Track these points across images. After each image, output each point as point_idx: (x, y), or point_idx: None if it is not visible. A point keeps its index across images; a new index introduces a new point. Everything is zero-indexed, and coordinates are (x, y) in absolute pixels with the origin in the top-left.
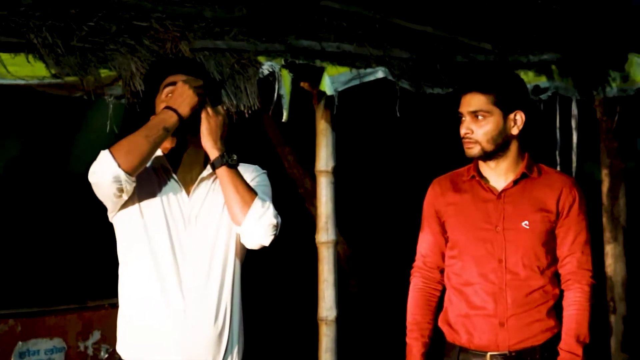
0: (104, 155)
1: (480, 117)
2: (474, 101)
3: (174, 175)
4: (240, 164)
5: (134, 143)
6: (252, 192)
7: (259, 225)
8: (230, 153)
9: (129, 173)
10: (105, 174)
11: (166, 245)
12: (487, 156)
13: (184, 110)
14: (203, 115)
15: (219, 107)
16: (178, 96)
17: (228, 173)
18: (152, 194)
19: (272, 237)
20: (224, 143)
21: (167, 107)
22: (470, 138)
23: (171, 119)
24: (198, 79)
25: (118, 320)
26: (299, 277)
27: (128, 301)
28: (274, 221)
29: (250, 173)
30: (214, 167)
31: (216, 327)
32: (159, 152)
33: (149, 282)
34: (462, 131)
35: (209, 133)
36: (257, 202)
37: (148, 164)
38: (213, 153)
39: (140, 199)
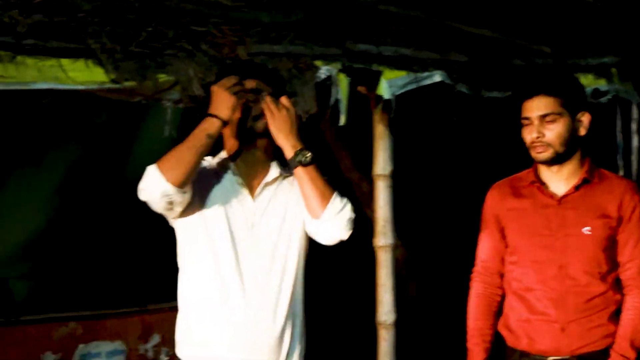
0: (151, 171)
1: (550, 120)
2: (542, 104)
3: (238, 178)
4: None
5: (179, 155)
6: (331, 187)
7: (339, 219)
8: (303, 151)
9: (177, 186)
10: (153, 190)
11: (228, 249)
12: (557, 159)
13: (224, 113)
14: (267, 112)
15: (282, 100)
16: (215, 101)
17: (304, 171)
18: (215, 198)
19: (349, 232)
20: (299, 139)
21: (208, 114)
22: (542, 142)
23: (213, 125)
24: (251, 80)
25: (177, 323)
26: (357, 281)
27: (188, 304)
28: (352, 215)
29: None
30: (289, 168)
31: (277, 331)
32: (223, 154)
33: (209, 285)
34: (533, 135)
35: (277, 129)
36: (336, 197)
37: (213, 166)
38: (287, 151)
39: (203, 203)
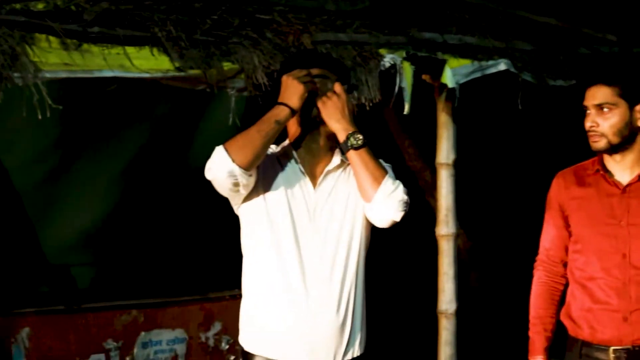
0: (218, 151)
1: (605, 110)
2: (599, 94)
3: (301, 167)
4: None
5: (247, 138)
6: (383, 169)
7: (391, 200)
8: (355, 134)
9: (243, 168)
10: (220, 170)
11: (290, 237)
12: (613, 149)
13: (294, 102)
14: (318, 102)
15: (335, 86)
16: (285, 90)
17: (356, 154)
18: (277, 186)
19: (402, 213)
20: (352, 122)
21: (278, 103)
22: (595, 131)
23: (282, 112)
24: (321, 70)
25: (241, 311)
26: (419, 269)
27: (251, 292)
28: (405, 197)
29: None
30: (342, 152)
31: (338, 319)
32: (286, 143)
33: (272, 273)
34: (588, 124)
35: (329, 116)
36: (387, 179)
37: (275, 154)
38: (339, 135)
39: (265, 190)
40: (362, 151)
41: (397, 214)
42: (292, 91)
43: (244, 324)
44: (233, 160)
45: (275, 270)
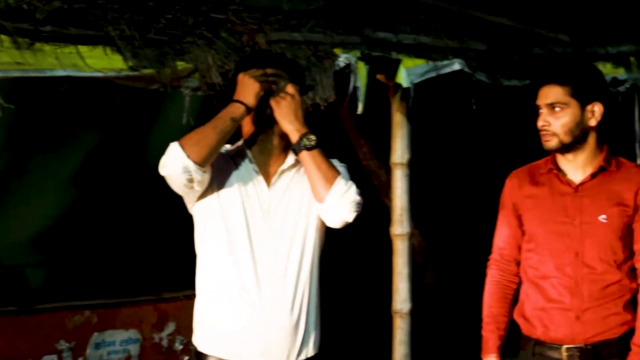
0: (173, 147)
1: (557, 109)
2: (550, 93)
3: (255, 166)
4: None
5: (202, 134)
6: (335, 170)
7: (343, 201)
8: (308, 135)
9: (198, 163)
10: (175, 165)
11: (244, 236)
12: (564, 148)
13: (249, 100)
14: (272, 102)
15: (289, 87)
16: (241, 88)
17: (308, 155)
18: (231, 185)
19: (355, 214)
20: (304, 123)
21: (234, 100)
22: (547, 130)
23: (238, 110)
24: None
25: (194, 311)
26: (373, 269)
27: (205, 292)
28: (357, 198)
29: None
30: (295, 153)
31: (292, 319)
32: (240, 142)
33: (225, 272)
34: (540, 124)
35: (282, 117)
36: (340, 180)
37: (230, 153)
38: (292, 136)
39: (219, 189)
40: (315, 152)
41: (349, 215)
42: (248, 89)
43: (198, 324)
44: (188, 156)
45: (228, 269)
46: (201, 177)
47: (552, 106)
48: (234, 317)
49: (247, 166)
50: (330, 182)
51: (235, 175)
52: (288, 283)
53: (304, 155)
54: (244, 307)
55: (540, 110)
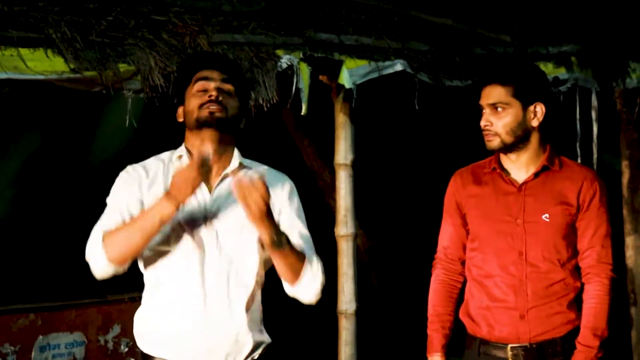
0: (96, 250)
1: (499, 109)
2: (492, 93)
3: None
4: (268, 170)
5: (127, 239)
6: (301, 256)
7: (310, 288)
8: (279, 236)
9: (121, 265)
10: (97, 268)
11: (187, 241)
12: (507, 148)
13: (182, 198)
14: (242, 205)
15: (259, 184)
16: (176, 184)
17: (280, 254)
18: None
19: (318, 297)
20: (270, 218)
21: (166, 197)
22: (489, 130)
23: (167, 211)
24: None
25: (138, 314)
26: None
27: (151, 294)
28: (322, 280)
29: (282, 189)
30: (262, 247)
31: (236, 321)
32: (183, 148)
33: (167, 279)
34: (482, 123)
35: (254, 218)
36: (306, 268)
37: (167, 163)
38: (264, 237)
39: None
40: (286, 250)
41: (316, 297)
42: (184, 189)
43: (140, 328)
44: (110, 262)
45: (172, 276)
46: (123, 270)
47: (494, 106)
48: (180, 320)
49: None
50: (298, 273)
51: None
52: (232, 285)
53: (276, 254)
54: (188, 310)
55: (483, 110)
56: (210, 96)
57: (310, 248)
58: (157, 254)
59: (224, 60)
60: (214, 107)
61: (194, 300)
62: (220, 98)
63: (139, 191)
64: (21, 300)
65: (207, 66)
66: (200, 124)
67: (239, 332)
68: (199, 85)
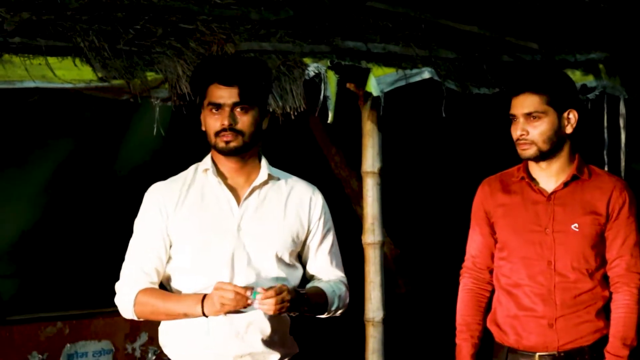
0: (126, 300)
1: (535, 118)
2: (527, 102)
3: (223, 184)
4: (297, 182)
5: (153, 314)
6: (323, 297)
7: (334, 315)
8: (299, 304)
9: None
10: (123, 311)
11: (217, 255)
12: (542, 157)
13: (211, 314)
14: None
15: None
16: (212, 303)
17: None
18: (202, 206)
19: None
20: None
21: (199, 301)
22: (525, 139)
23: (197, 313)
24: None
25: (162, 326)
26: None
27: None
28: (346, 304)
29: (314, 206)
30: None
31: (264, 334)
32: (207, 165)
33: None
34: (518, 133)
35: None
36: (331, 304)
37: (195, 179)
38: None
39: (191, 214)
40: (307, 308)
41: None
42: (215, 309)
43: (169, 338)
44: (135, 317)
45: (204, 287)
46: None
47: (529, 115)
48: (209, 332)
49: (216, 185)
50: (323, 312)
51: (205, 195)
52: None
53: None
54: (219, 322)
55: (516, 120)
56: (223, 125)
57: (337, 265)
58: (185, 268)
59: (235, 71)
60: (229, 137)
61: (218, 321)
62: (235, 124)
63: (162, 220)
64: (49, 309)
65: (219, 80)
66: (219, 152)
67: (266, 343)
68: (213, 106)
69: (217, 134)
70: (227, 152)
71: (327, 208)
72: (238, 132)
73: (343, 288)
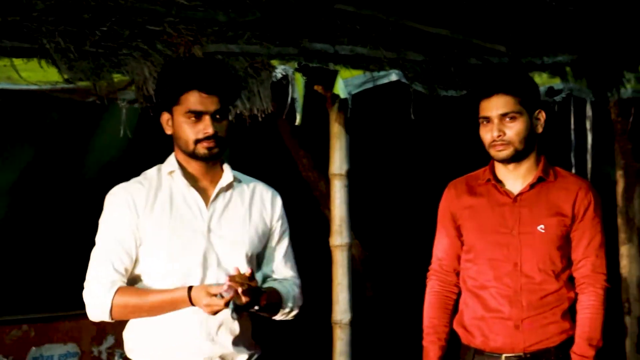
0: (102, 302)
1: (510, 119)
2: (501, 103)
3: (191, 187)
4: (259, 185)
5: (136, 312)
6: (277, 296)
7: (286, 318)
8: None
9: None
10: (95, 315)
11: (188, 257)
12: (516, 157)
13: (197, 305)
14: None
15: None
16: (199, 299)
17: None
18: (172, 209)
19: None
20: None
21: (187, 299)
22: (502, 140)
23: (183, 304)
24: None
25: (128, 329)
26: (313, 280)
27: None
28: (299, 305)
29: (274, 207)
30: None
31: (233, 336)
32: (173, 167)
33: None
34: (493, 134)
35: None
36: (284, 308)
37: (161, 181)
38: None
39: (162, 217)
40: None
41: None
42: (205, 307)
43: (136, 342)
44: (111, 318)
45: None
46: None
47: (505, 116)
48: (180, 334)
49: (182, 189)
50: (276, 312)
51: (172, 198)
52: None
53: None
54: (189, 324)
55: (490, 122)
56: (206, 133)
57: (292, 267)
58: (158, 272)
59: (217, 79)
60: (211, 144)
61: (195, 315)
62: (218, 132)
63: (133, 218)
64: (14, 312)
65: (201, 88)
66: (197, 158)
67: (235, 343)
68: (193, 113)
69: (198, 141)
70: (208, 159)
71: (284, 210)
72: (220, 139)
73: (297, 290)
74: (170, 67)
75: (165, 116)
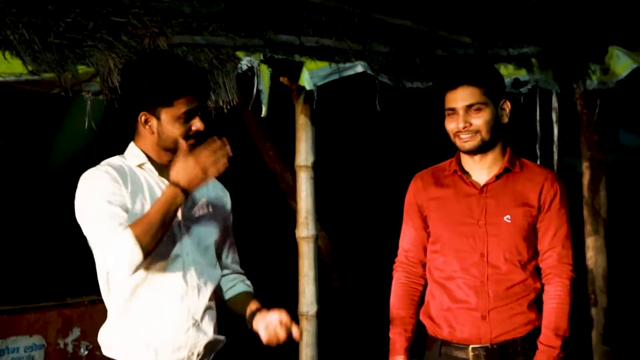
0: (126, 241)
1: (477, 110)
2: (467, 94)
3: (162, 178)
4: (214, 183)
5: (157, 225)
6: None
7: None
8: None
9: (146, 255)
10: (126, 262)
11: (168, 253)
12: (483, 148)
13: (192, 187)
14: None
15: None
16: (188, 174)
17: None
18: (150, 202)
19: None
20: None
21: (174, 184)
22: (469, 131)
23: (181, 197)
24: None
25: (106, 327)
26: (280, 271)
27: (122, 311)
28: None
29: (226, 204)
30: None
31: (214, 319)
32: (142, 159)
33: (148, 292)
34: (459, 125)
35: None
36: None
37: (132, 167)
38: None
39: (134, 208)
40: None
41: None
42: (198, 179)
43: (116, 339)
44: (142, 251)
45: (157, 286)
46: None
47: (471, 107)
48: (163, 329)
49: (154, 180)
50: None
51: (147, 192)
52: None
53: None
54: (172, 320)
55: (455, 113)
56: (198, 129)
57: (238, 261)
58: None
59: (206, 84)
60: (197, 139)
61: (177, 312)
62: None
63: (121, 190)
64: None
65: (197, 94)
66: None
67: (215, 330)
68: (186, 114)
69: (187, 136)
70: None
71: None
72: (201, 133)
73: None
74: (160, 69)
75: (144, 115)
